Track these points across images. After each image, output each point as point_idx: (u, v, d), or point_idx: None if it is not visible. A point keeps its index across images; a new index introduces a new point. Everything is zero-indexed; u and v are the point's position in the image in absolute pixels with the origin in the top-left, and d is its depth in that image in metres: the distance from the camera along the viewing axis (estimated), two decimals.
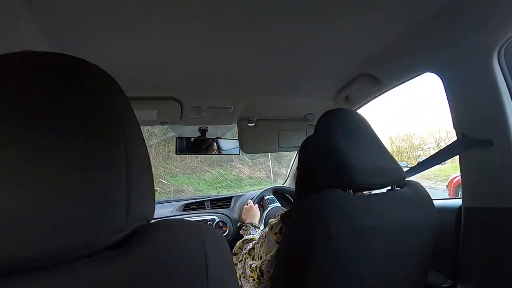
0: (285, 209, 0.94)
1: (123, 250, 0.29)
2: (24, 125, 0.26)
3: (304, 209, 0.68)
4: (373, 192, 0.79)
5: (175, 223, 0.34)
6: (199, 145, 1.40)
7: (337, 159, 0.70)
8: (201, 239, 0.33)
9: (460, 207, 0.90)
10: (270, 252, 0.80)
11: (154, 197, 0.36)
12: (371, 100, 1.15)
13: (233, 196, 1.71)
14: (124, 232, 0.30)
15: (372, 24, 0.74)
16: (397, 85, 1.02)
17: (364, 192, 0.80)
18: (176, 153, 1.32)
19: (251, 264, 0.85)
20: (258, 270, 0.82)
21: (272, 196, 1.66)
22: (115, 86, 0.34)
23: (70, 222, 0.26)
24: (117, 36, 0.68)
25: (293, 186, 1.80)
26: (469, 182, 0.83)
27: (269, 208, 1.54)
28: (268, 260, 0.80)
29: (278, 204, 1.60)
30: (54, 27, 0.62)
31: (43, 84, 0.28)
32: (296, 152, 0.99)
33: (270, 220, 0.86)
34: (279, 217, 0.84)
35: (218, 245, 0.35)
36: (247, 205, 1.48)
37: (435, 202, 0.80)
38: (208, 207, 1.61)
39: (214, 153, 1.43)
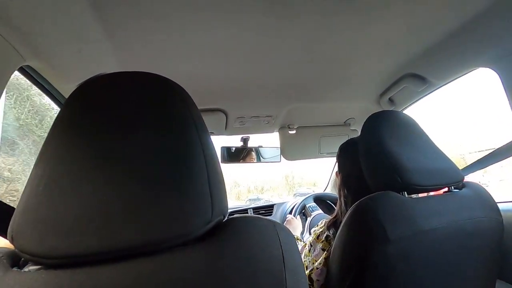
0: (328, 216, 0.92)
1: (211, 240, 0.33)
2: (128, 132, 0.32)
3: (359, 212, 0.67)
4: (430, 194, 0.76)
5: (251, 218, 0.37)
6: (240, 154, 1.45)
7: (388, 160, 0.69)
8: (275, 232, 0.36)
9: None
10: (317, 261, 0.79)
11: (227, 196, 0.40)
12: (418, 101, 1.11)
13: (275, 204, 1.72)
14: (210, 225, 0.33)
15: (419, 21, 0.72)
16: (446, 84, 0.97)
17: (420, 195, 0.77)
18: (222, 162, 1.38)
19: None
20: (308, 280, 0.80)
21: (314, 203, 1.64)
22: (190, 99, 0.39)
23: (172, 214, 0.30)
24: (178, 55, 0.76)
25: (334, 193, 1.77)
26: None
27: (312, 216, 1.53)
28: (316, 268, 0.79)
29: (320, 211, 1.58)
30: (130, 52, 0.73)
31: (144, 98, 0.35)
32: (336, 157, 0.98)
33: (313, 229, 0.86)
34: (323, 224, 0.83)
35: (290, 239, 0.38)
36: (287, 218, 1.46)
37: (501, 205, 0.75)
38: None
39: (254, 161, 1.46)
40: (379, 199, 0.66)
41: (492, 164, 0.87)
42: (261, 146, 1.46)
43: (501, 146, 0.82)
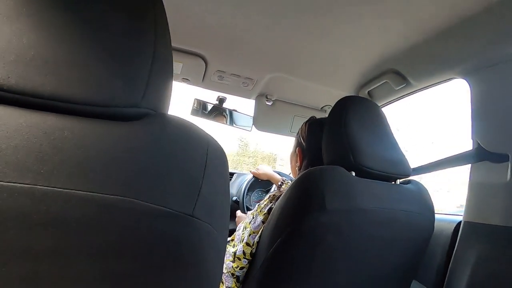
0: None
1: (134, 123, 0.31)
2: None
3: (303, 179, 0.68)
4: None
5: (187, 121, 0.35)
6: (213, 112, 1.42)
7: (347, 138, 0.70)
8: (206, 142, 0.34)
9: (458, 222, 0.88)
10: (255, 233, 0.77)
11: (170, 98, 0.37)
12: (396, 100, 1.13)
13: (235, 173, 1.72)
14: (138, 109, 0.31)
15: (408, 18, 0.73)
16: (423, 89, 1.00)
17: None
18: (191, 114, 1.34)
19: (232, 253, 0.78)
20: (241, 253, 0.76)
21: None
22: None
23: (101, 78, 0.28)
24: None
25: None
26: (475, 195, 0.81)
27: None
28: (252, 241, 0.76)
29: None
30: None
31: None
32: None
33: (258, 204, 0.85)
34: (268, 197, 0.83)
35: (220, 155, 0.36)
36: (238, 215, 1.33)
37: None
38: None
39: (225, 123, 1.44)
40: (326, 170, 0.67)
41: (440, 169, 0.91)
42: (236, 110, 1.44)
43: (452, 156, 0.86)
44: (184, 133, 0.33)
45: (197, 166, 0.32)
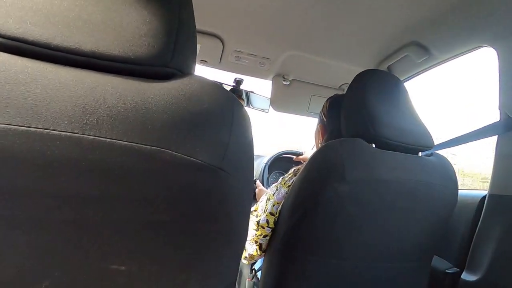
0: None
1: (166, 81, 0.33)
2: None
3: (323, 151, 0.68)
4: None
5: (215, 82, 0.36)
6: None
7: (365, 110, 0.70)
8: (232, 102, 0.36)
9: (483, 197, 0.86)
10: (279, 204, 0.79)
11: (195, 62, 0.39)
12: (417, 74, 1.09)
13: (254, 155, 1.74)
14: (167, 69, 0.33)
15: None
16: (448, 59, 0.96)
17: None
18: None
19: (256, 222, 0.80)
20: (265, 222, 0.78)
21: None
22: None
23: (127, 34, 0.30)
24: None
25: None
26: (502, 167, 0.79)
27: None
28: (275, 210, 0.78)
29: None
30: None
31: None
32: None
33: (282, 177, 0.86)
34: (292, 171, 0.84)
35: (244, 115, 0.38)
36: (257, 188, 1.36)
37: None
38: None
39: (243, 105, 1.45)
40: (345, 142, 0.68)
41: (466, 142, 0.88)
42: (253, 92, 1.45)
43: (478, 128, 0.84)
44: (212, 93, 0.34)
45: (224, 123, 0.34)
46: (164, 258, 0.33)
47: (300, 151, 1.52)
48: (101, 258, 0.31)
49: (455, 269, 0.90)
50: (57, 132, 0.26)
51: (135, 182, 0.29)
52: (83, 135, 0.27)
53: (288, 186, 0.80)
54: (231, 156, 0.33)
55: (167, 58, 0.32)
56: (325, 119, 0.92)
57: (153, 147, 0.28)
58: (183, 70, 0.35)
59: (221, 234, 0.36)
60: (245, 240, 0.43)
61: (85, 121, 0.27)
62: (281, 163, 1.63)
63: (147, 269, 0.33)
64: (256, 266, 1.07)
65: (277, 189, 0.83)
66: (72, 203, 0.28)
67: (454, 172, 0.78)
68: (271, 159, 1.60)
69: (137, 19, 0.31)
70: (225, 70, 1.30)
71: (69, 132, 0.26)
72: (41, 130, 0.26)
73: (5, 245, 0.28)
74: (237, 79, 1.42)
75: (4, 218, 0.27)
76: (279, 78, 1.34)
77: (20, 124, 0.25)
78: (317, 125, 0.97)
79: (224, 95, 0.36)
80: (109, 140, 0.27)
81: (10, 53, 0.27)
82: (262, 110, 1.48)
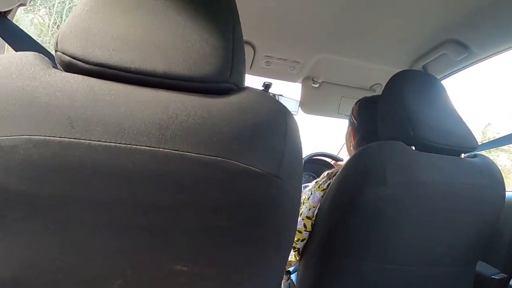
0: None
1: (225, 96, 0.36)
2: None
3: (362, 154, 0.68)
4: None
5: (267, 94, 0.40)
6: None
7: (404, 111, 0.69)
8: (285, 113, 0.38)
9: None
10: (314, 207, 0.80)
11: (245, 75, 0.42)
12: (454, 73, 1.06)
13: None
14: (227, 84, 0.36)
15: None
16: (488, 57, 0.92)
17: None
18: None
19: None
20: (302, 226, 0.79)
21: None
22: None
23: (193, 55, 0.34)
24: None
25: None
26: None
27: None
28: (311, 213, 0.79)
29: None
30: None
31: None
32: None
33: (315, 180, 0.87)
34: (326, 174, 0.84)
35: (296, 126, 0.40)
36: None
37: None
38: None
39: None
40: (385, 145, 0.67)
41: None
42: (281, 95, 1.46)
43: None
44: (267, 105, 0.37)
45: (279, 134, 0.36)
46: (221, 260, 0.36)
47: (335, 155, 1.51)
48: (167, 260, 0.34)
49: (502, 275, 0.86)
50: (138, 146, 0.30)
51: (202, 190, 0.32)
52: (158, 149, 0.30)
53: (323, 190, 0.81)
54: (286, 164, 0.35)
55: (226, 74, 0.36)
56: (355, 122, 0.92)
57: (218, 158, 0.31)
58: (238, 84, 0.38)
59: (273, 238, 0.38)
60: (292, 244, 0.45)
61: (160, 136, 0.30)
62: (311, 165, 1.63)
63: (206, 270, 0.36)
64: (290, 268, 1.08)
65: (311, 193, 0.83)
66: (147, 211, 0.32)
67: (501, 173, 0.74)
68: (304, 160, 1.61)
69: (199, 40, 0.35)
70: (255, 75, 1.34)
71: (147, 146, 0.30)
72: (125, 145, 0.29)
73: (86, 248, 0.32)
74: (265, 83, 1.44)
75: (87, 225, 0.31)
76: (308, 80, 1.35)
77: (108, 141, 0.29)
78: (348, 128, 0.97)
79: (278, 106, 0.38)
80: (181, 152, 0.31)
81: (96, 78, 0.32)
82: (292, 113, 1.49)
